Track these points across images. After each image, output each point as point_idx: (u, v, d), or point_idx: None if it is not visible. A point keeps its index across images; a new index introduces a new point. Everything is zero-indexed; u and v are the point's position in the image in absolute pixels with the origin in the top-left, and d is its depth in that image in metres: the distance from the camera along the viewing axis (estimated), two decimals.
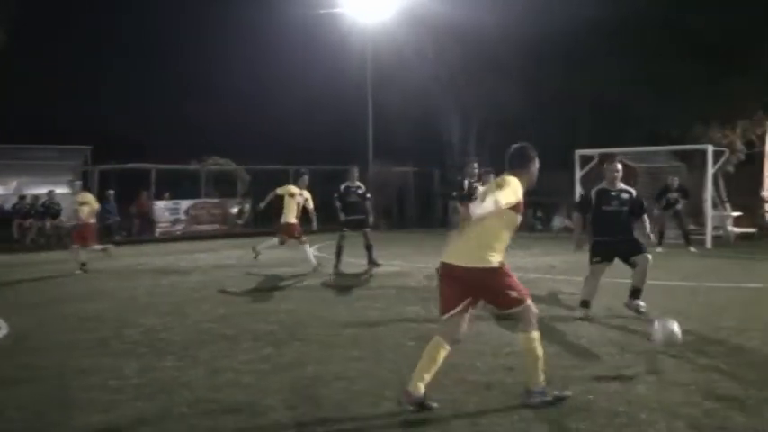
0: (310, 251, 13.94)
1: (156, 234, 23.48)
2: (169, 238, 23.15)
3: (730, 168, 23.06)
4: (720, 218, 20.19)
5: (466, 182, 12.20)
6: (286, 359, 6.65)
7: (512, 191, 4.99)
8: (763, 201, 23.56)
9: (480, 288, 5.17)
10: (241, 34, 31.12)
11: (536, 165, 5.35)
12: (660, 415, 4.90)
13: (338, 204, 14.12)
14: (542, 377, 5.18)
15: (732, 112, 23.72)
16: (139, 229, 23.85)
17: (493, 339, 7.28)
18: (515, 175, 5.18)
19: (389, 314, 8.88)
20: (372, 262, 14.06)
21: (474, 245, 5.08)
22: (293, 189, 14.08)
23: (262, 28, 30.58)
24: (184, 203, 24.99)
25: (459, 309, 5.15)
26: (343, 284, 11.78)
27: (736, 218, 21.37)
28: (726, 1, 20.90)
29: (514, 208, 5.03)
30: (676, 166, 21.16)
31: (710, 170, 19.00)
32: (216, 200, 26.41)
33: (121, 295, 10.89)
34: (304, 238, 14.01)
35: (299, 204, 14.03)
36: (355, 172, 14.56)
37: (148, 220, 23.94)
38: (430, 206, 28.64)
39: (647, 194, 21.55)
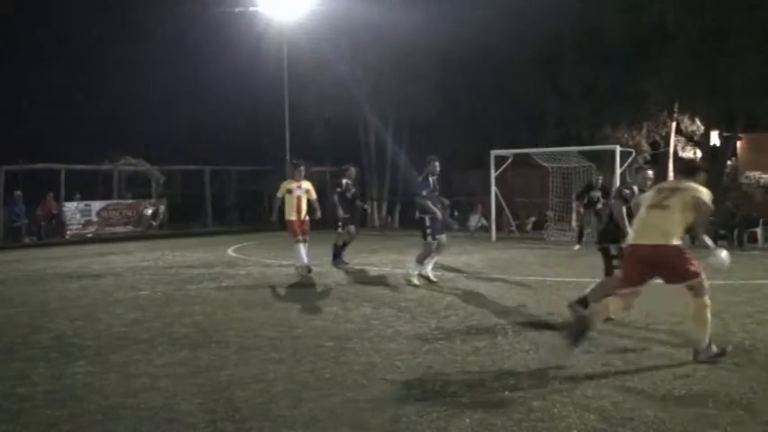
0: (304, 252, 12.70)
1: (67, 236, 22.79)
2: (80, 240, 22.52)
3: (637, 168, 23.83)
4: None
5: (344, 182, 14.12)
6: (203, 362, 6.56)
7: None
8: None
9: (663, 264, 6.27)
10: (155, 32, 30.51)
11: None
12: (572, 408, 5.04)
13: (337, 202, 14.10)
14: (708, 338, 6.19)
15: (638, 114, 24.61)
16: (47, 232, 23.09)
17: (412, 338, 7.35)
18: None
19: (308, 315, 8.86)
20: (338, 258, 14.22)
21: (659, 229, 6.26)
22: (289, 185, 12.81)
23: (177, 26, 30.06)
24: (96, 205, 24.35)
25: (638, 287, 6.37)
26: (264, 285, 11.67)
27: None
28: (633, 8, 21.63)
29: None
30: (586, 166, 21.75)
31: (618, 170, 19.60)
32: (129, 201, 25.82)
33: (31, 300, 10.53)
34: (300, 237, 12.57)
35: (299, 198, 12.70)
36: (353, 172, 14.68)
37: (57, 222, 23.20)
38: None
39: (560, 194, 22.23)
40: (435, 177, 11.72)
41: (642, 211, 6.63)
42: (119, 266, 14.93)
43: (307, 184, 12.88)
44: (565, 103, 24.06)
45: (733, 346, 6.70)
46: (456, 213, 25.77)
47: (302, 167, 12.99)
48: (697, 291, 6.22)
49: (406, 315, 8.69)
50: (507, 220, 23.19)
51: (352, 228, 14.21)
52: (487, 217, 22.55)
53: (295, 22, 26.47)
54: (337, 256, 14.21)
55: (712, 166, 24.46)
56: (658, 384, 5.61)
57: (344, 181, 14.37)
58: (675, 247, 6.24)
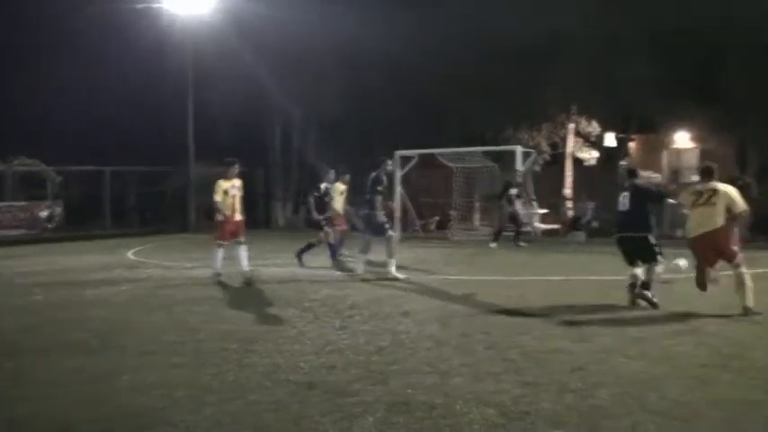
0: (245, 254, 12.18)
1: None
2: None
3: (537, 168, 24.55)
4: (529, 215, 21.42)
5: (323, 186, 14.64)
6: (101, 369, 6.37)
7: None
8: (565, 199, 25.29)
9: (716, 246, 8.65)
10: (53, 28, 29.28)
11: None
12: (473, 404, 5.15)
13: (312, 203, 14.63)
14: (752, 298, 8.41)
15: (538, 115, 25.31)
16: None
17: (316, 339, 7.35)
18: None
19: (211, 318, 8.72)
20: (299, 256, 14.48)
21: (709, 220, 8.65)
22: (225, 185, 12.08)
23: (75, 22, 28.93)
24: None
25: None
26: (162, 289, 11.42)
27: (543, 215, 22.80)
28: (534, 10, 22.19)
29: None
30: (490, 166, 22.23)
31: (519, 169, 20.11)
32: (23, 203, 24.81)
33: None
34: (224, 242, 12.08)
35: (234, 198, 12.09)
36: (332, 174, 14.98)
37: None
38: (254, 206, 28.36)
39: (464, 193, 22.64)
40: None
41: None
42: (11, 271, 14.32)
43: (239, 182, 12.28)
44: (468, 104, 24.48)
45: (624, 338, 7.02)
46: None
47: (236, 165, 12.37)
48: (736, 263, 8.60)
49: (309, 315, 8.68)
50: (412, 220, 23.44)
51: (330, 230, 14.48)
52: (392, 217, 22.73)
53: (200, 19, 26.01)
54: (302, 254, 14.46)
55: (608, 167, 25.43)
56: (555, 378, 5.79)
57: (324, 185, 14.72)
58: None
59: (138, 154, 27.38)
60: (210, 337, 7.60)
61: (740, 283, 8.51)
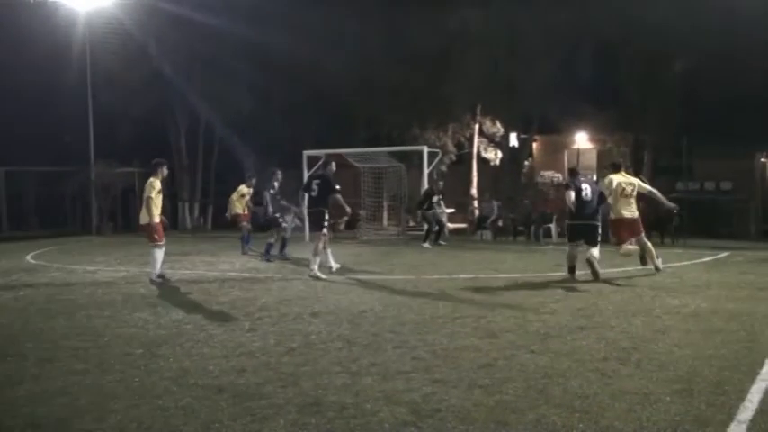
0: (161, 256, 12.10)
1: None
2: None
3: (444, 168, 24.92)
4: (437, 214, 21.65)
5: (276, 184, 15.78)
6: None
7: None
8: (472, 198, 25.78)
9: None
10: None
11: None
12: (384, 403, 5.19)
13: (269, 201, 15.66)
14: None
15: (444, 115, 25.70)
16: None
17: (225, 341, 7.26)
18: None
19: (115, 322, 8.49)
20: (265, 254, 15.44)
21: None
22: (158, 184, 11.95)
23: None
24: None
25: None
26: (64, 294, 11.04)
27: (450, 214, 23.15)
28: (438, 13, 22.54)
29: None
30: (396, 166, 22.43)
31: (426, 169, 20.37)
32: None
33: None
34: (163, 242, 12.06)
35: (162, 198, 12.15)
36: (279, 175, 16.10)
37: None
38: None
39: (372, 193, 22.73)
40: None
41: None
42: None
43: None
44: (374, 105, 24.63)
45: (530, 334, 7.22)
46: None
47: (165, 167, 12.30)
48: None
49: (219, 318, 8.56)
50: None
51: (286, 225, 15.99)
52: (301, 217, 22.62)
53: (100, 15, 25.25)
54: (268, 252, 15.42)
55: (511, 167, 26.06)
56: (464, 375, 5.90)
57: (276, 183, 15.73)
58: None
59: (36, 154, 26.35)
60: (114, 341, 7.40)
61: (648, 250, 11.97)
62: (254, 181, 17.27)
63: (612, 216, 11.86)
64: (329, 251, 12.87)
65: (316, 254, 12.37)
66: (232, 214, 17.48)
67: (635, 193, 11.80)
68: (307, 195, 13.17)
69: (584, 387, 5.50)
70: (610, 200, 11.70)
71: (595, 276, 11.22)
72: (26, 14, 25.72)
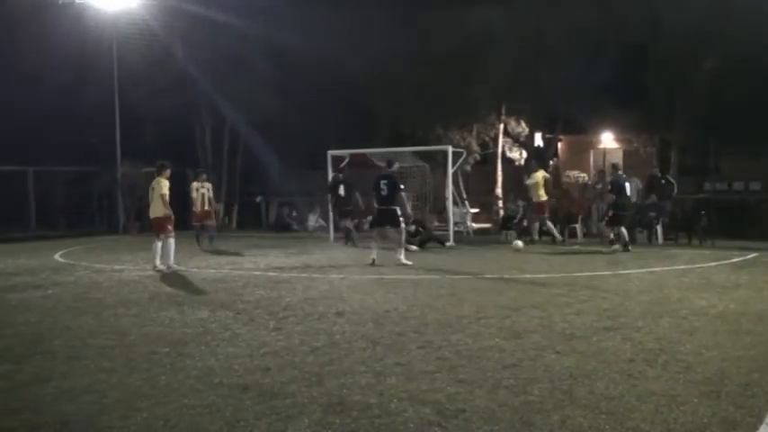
0: (159, 249, 13.53)
1: None
2: None
3: (468, 168, 24.85)
4: (461, 214, 21.64)
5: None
6: (27, 375, 6.19)
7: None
8: (496, 198, 25.67)
9: None
10: None
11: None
12: (408, 403, 5.18)
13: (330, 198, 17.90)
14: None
15: (469, 116, 25.63)
16: None
17: (250, 340, 7.29)
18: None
19: (142, 321, 8.56)
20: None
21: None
22: (167, 183, 13.74)
23: None
24: None
25: None
26: (94, 294, 11.15)
27: (474, 214, 23.08)
28: (460, 14, 22.50)
29: None
30: (420, 165, 22.38)
31: (450, 170, 20.30)
32: None
33: None
34: (174, 233, 13.74)
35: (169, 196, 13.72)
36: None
37: None
38: (186, 207, 27.92)
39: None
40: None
41: None
42: None
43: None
44: (399, 105, 24.62)
45: (555, 334, 7.17)
46: (294, 214, 25.82)
47: (168, 169, 13.96)
48: None
49: (244, 317, 8.60)
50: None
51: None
52: (325, 217, 22.68)
53: (126, 16, 25.46)
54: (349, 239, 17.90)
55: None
56: (488, 375, 5.87)
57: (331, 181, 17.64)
58: None
59: (63, 154, 26.61)
60: (141, 340, 7.46)
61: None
62: (204, 176, 18.48)
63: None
64: (375, 246, 14.11)
65: (400, 245, 14.01)
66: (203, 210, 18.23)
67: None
68: (375, 194, 14.22)
69: (610, 388, 5.46)
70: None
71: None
72: (53, 16, 25.99)
